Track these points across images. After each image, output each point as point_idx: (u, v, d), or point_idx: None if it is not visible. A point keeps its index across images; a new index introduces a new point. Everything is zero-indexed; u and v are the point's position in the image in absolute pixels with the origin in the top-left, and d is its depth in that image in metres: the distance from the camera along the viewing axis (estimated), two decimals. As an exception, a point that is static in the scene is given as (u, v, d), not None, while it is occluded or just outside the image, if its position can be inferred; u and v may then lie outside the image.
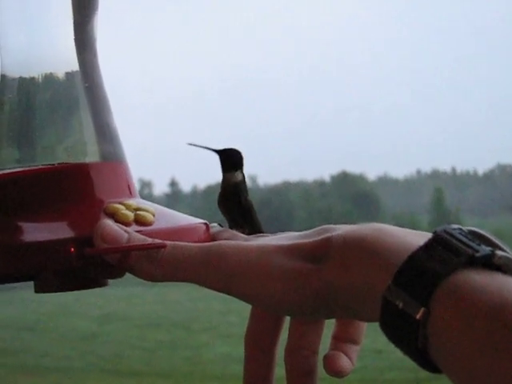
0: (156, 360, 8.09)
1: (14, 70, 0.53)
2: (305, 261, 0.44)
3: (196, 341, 9.03)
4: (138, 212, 0.50)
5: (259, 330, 0.53)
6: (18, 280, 0.49)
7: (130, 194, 0.53)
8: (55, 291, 0.50)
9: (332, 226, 0.46)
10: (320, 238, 0.45)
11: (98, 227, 0.47)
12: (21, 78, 0.53)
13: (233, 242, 0.47)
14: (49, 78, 0.53)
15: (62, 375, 7.20)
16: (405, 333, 0.39)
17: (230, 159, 0.64)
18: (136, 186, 0.55)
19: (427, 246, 0.40)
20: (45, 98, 0.54)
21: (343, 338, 0.51)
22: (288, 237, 0.48)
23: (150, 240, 0.47)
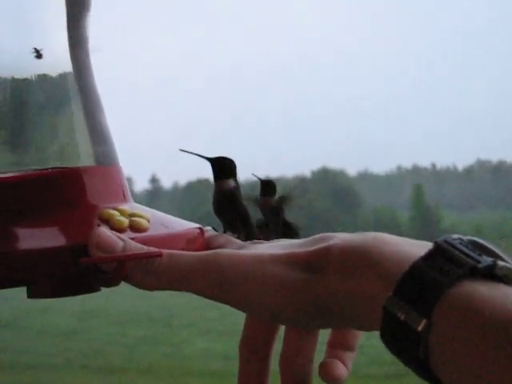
0: (136, 356, 8.07)
1: (7, 71, 0.52)
2: (302, 270, 0.44)
3: (176, 337, 9.02)
4: (132, 218, 0.49)
5: (254, 336, 0.53)
6: (10, 286, 0.48)
7: (124, 199, 0.53)
8: (48, 297, 0.50)
9: (329, 234, 0.46)
10: (317, 247, 0.44)
11: (93, 235, 0.46)
12: (13, 78, 0.52)
13: (229, 251, 0.47)
14: (42, 79, 0.52)
15: (41, 372, 7.16)
16: (406, 344, 0.39)
17: (223, 168, 0.63)
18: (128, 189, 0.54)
19: (428, 257, 0.40)
20: (38, 98, 0.53)
21: (339, 346, 0.51)
22: (284, 245, 0.47)
23: (145, 248, 0.46)
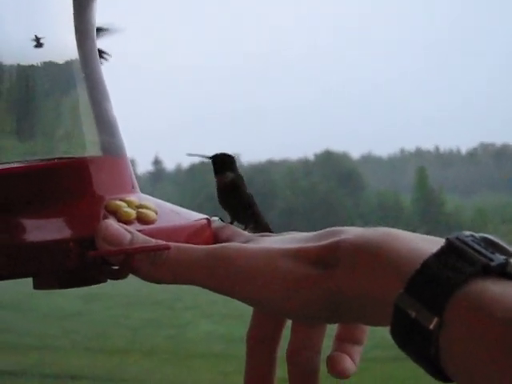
0: (140, 338, 8.11)
1: (12, 58, 0.51)
2: (312, 266, 0.43)
3: (180, 319, 9.06)
4: (140, 210, 0.49)
5: (261, 326, 0.52)
6: (15, 278, 0.47)
7: (131, 190, 0.52)
8: (54, 288, 0.49)
9: (339, 228, 0.45)
10: (327, 241, 0.44)
11: (100, 228, 0.45)
12: (19, 65, 0.52)
13: (237, 245, 0.46)
14: (48, 66, 0.52)
15: (45, 353, 7.20)
16: (417, 342, 0.39)
17: (221, 163, 0.66)
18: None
19: (440, 254, 0.39)
20: (44, 86, 0.52)
21: (347, 339, 0.51)
22: (294, 239, 0.47)
23: (153, 241, 0.46)
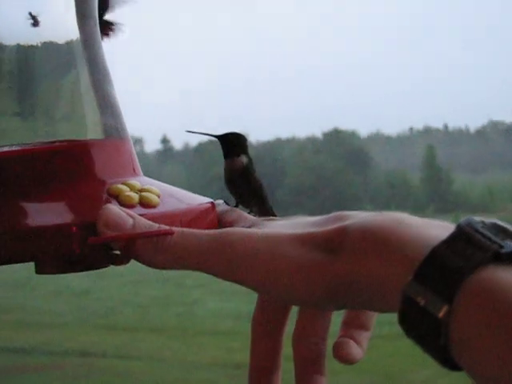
0: (149, 316, 8.15)
1: (12, 38, 0.51)
2: (318, 251, 0.42)
3: (188, 297, 9.10)
4: (142, 193, 0.48)
5: (267, 314, 0.52)
6: (17, 262, 0.47)
7: (134, 173, 0.51)
8: (56, 273, 0.49)
9: (346, 212, 0.44)
10: (334, 226, 0.43)
11: (102, 212, 0.44)
12: (19, 46, 0.51)
13: (241, 230, 0.45)
14: (48, 46, 0.51)
15: (55, 331, 7.25)
16: (426, 330, 0.38)
17: (233, 144, 0.61)
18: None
19: (450, 241, 0.38)
20: (44, 66, 0.52)
21: (354, 325, 0.50)
22: (299, 223, 0.46)
23: (156, 226, 0.45)
